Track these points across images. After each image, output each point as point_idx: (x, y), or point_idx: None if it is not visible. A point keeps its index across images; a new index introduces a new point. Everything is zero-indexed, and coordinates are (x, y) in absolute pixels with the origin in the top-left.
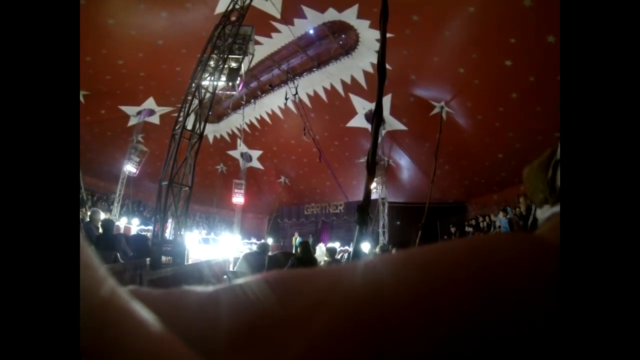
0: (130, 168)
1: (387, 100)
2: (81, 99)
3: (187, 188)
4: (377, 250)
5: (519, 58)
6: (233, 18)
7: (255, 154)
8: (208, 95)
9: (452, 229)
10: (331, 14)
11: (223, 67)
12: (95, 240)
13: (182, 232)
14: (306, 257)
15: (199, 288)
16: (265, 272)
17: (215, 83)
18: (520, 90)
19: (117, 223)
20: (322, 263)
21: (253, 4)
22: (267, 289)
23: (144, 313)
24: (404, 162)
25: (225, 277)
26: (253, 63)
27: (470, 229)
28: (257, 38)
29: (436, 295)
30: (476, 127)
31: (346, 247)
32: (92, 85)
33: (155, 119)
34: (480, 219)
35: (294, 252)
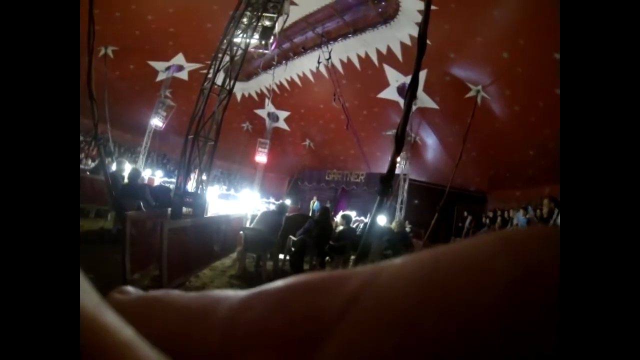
0: (157, 122)
1: (421, 76)
2: (110, 54)
3: (212, 142)
4: (394, 225)
5: None
6: None
7: (283, 114)
8: (240, 52)
9: (469, 218)
10: None
11: (256, 25)
12: (120, 188)
13: (204, 186)
14: (324, 221)
15: (231, 292)
16: (281, 231)
17: (247, 40)
18: None
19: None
20: (339, 229)
21: None
22: (298, 291)
23: (129, 332)
24: (430, 141)
25: (241, 232)
26: (287, 24)
27: (487, 221)
28: None
29: (469, 298)
30: (511, 118)
31: (362, 218)
32: (121, 40)
33: (183, 75)
34: (499, 212)
35: (310, 215)
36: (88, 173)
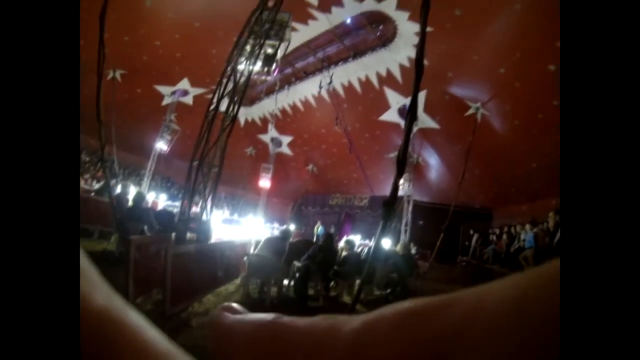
0: (161, 145)
1: (421, 97)
2: (118, 77)
3: (216, 169)
4: (399, 248)
5: None
6: (270, 3)
7: (286, 139)
8: (243, 78)
9: (475, 236)
10: (369, 4)
11: (259, 52)
12: (125, 211)
13: (208, 212)
14: (328, 246)
15: (345, 317)
16: (285, 257)
17: (250, 67)
18: None
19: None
20: (343, 254)
21: None
22: (408, 320)
23: (142, 322)
24: (433, 161)
25: (245, 258)
26: (289, 49)
27: (494, 238)
28: (294, 25)
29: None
30: (512, 133)
31: (366, 241)
32: (129, 64)
33: (188, 100)
34: (505, 229)
35: (314, 240)
36: (93, 194)
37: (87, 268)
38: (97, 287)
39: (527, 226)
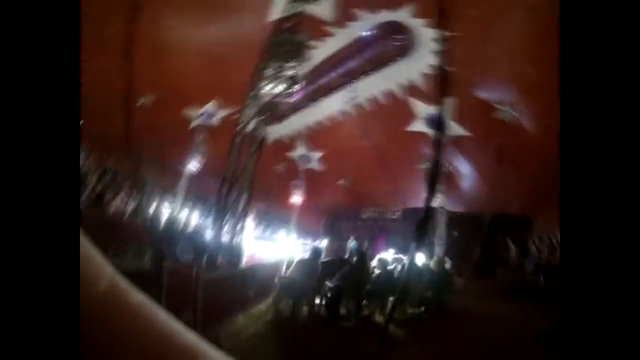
0: (192, 166)
1: (448, 105)
2: (147, 103)
3: (247, 189)
4: (433, 264)
5: None
6: (287, 25)
7: (315, 155)
8: (267, 100)
9: (512, 246)
10: (385, 15)
11: (280, 74)
12: (159, 233)
13: (239, 234)
14: (361, 266)
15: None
16: (317, 276)
17: (273, 90)
18: None
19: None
20: (375, 273)
21: (305, 10)
22: None
23: (146, 301)
24: (465, 170)
25: (276, 279)
26: (310, 68)
27: (534, 249)
28: (312, 43)
29: None
30: (545, 134)
31: (400, 256)
32: (157, 90)
33: (216, 122)
34: (546, 237)
35: (347, 256)
36: (127, 216)
37: (91, 253)
38: (101, 272)
39: None
